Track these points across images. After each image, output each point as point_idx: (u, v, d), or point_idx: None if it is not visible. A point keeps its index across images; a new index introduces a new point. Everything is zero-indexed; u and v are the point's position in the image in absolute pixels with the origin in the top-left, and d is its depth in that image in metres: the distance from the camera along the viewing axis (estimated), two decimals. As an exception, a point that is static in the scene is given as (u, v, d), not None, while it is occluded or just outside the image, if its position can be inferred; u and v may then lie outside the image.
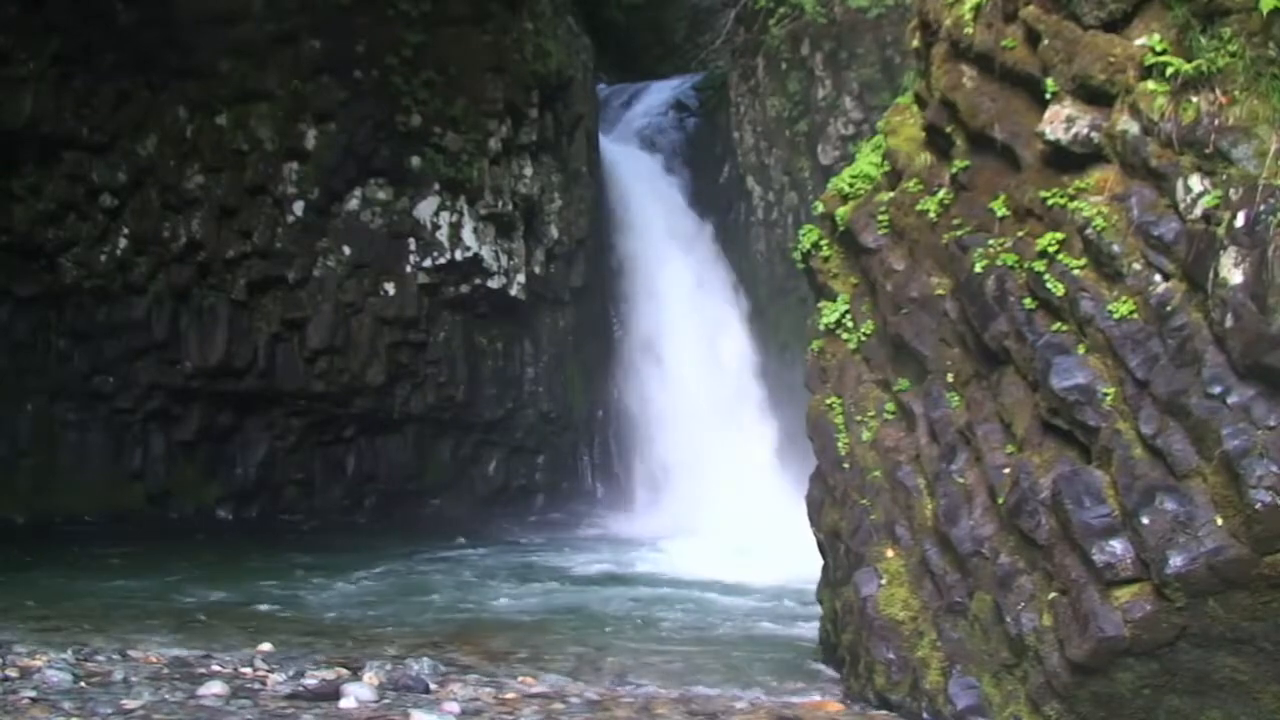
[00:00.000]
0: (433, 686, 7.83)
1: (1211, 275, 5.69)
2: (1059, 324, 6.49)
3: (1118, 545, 5.88)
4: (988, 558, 6.68)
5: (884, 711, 7.24)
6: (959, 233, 7.32)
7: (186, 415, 18.68)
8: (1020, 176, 6.98)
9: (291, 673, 8.15)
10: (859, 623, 7.51)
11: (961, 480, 6.99)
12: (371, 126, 18.46)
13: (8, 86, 16.87)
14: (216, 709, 6.88)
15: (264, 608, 11.66)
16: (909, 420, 7.67)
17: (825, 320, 8.58)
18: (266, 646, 9.27)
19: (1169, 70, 6.04)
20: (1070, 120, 6.59)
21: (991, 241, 7.02)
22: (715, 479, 18.27)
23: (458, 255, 18.79)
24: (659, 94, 25.13)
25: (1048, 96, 6.73)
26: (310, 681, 7.81)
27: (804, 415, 8.83)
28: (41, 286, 17.83)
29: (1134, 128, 6.25)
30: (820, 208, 8.99)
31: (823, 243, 8.81)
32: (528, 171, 19.89)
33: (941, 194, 7.66)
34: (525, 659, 9.35)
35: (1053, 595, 6.19)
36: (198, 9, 17.34)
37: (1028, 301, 6.66)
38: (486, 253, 19.02)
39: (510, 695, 7.70)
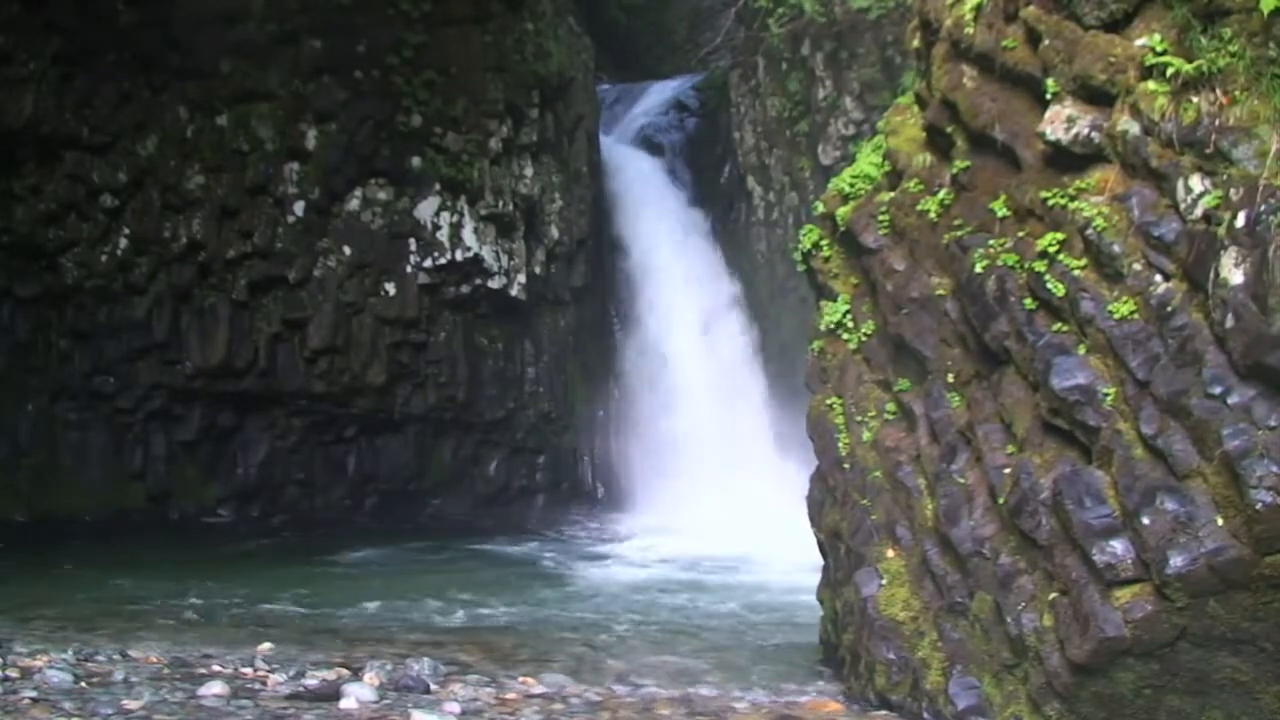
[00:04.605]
0: (433, 686, 7.83)
1: (1212, 275, 5.69)
2: (1059, 324, 6.49)
3: (1118, 545, 5.88)
4: (988, 558, 6.68)
5: (884, 712, 7.24)
6: (959, 233, 7.32)
7: (187, 415, 18.68)
8: (1021, 177, 6.98)
9: (292, 673, 8.15)
10: (859, 623, 7.50)
11: (962, 480, 6.99)
12: (372, 127, 18.46)
13: (8, 86, 16.86)
14: (217, 709, 6.89)
15: (264, 608, 11.66)
16: (909, 420, 7.67)
17: (826, 320, 8.58)
18: (267, 646, 9.27)
19: (1169, 70, 6.05)
20: (1071, 120, 6.59)
21: (992, 242, 7.02)
22: (715, 479, 18.27)
23: (458, 255, 18.79)
24: (659, 94, 25.11)
25: (1048, 97, 6.73)
26: (311, 681, 7.81)
27: (804, 415, 8.83)
28: (42, 287, 17.83)
29: (1135, 128, 6.25)
30: (821, 208, 8.99)
31: (823, 243, 8.81)
32: (528, 172, 19.88)
33: (942, 194, 7.66)
34: (526, 659, 9.35)
35: (1053, 595, 6.19)
36: (198, 9, 17.33)
37: (1028, 302, 6.66)
38: (487, 253, 19.01)
39: (511, 695, 7.70)
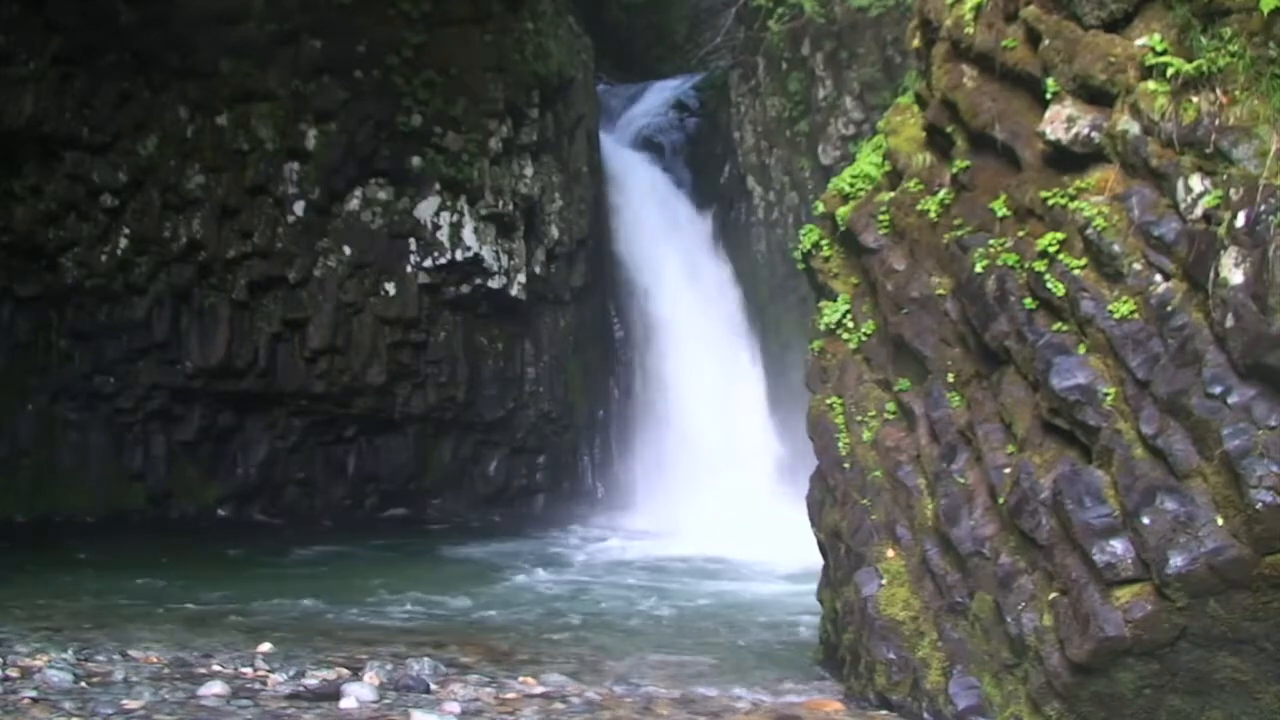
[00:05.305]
0: (433, 686, 7.83)
1: (1212, 275, 5.69)
2: (1059, 324, 6.49)
3: (1118, 545, 5.88)
4: (988, 558, 6.67)
5: (884, 711, 7.24)
6: (960, 233, 7.32)
7: (187, 415, 18.68)
8: (1021, 176, 6.98)
9: (292, 673, 8.14)
10: (860, 622, 7.50)
11: (962, 480, 6.99)
12: (372, 126, 18.47)
13: (8, 86, 16.86)
14: (217, 709, 6.88)
15: (264, 607, 11.65)
16: (910, 420, 7.66)
17: (826, 320, 8.58)
18: (267, 646, 9.26)
19: (1169, 70, 6.05)
20: (1071, 120, 6.59)
21: (992, 241, 7.02)
22: (715, 479, 18.27)
23: (458, 255, 18.79)
24: (660, 94, 25.12)
25: (1048, 96, 6.73)
26: (311, 681, 7.81)
27: (804, 415, 8.82)
28: (42, 286, 17.82)
29: (1135, 128, 6.25)
30: (821, 208, 8.99)
31: (823, 242, 8.81)
32: (528, 171, 19.88)
33: (942, 194, 7.66)
34: (526, 659, 9.35)
35: (1053, 595, 6.19)
36: (198, 9, 17.34)
37: (1028, 301, 6.66)
38: (487, 253, 19.02)
39: (511, 695, 7.70)
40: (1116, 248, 6.24)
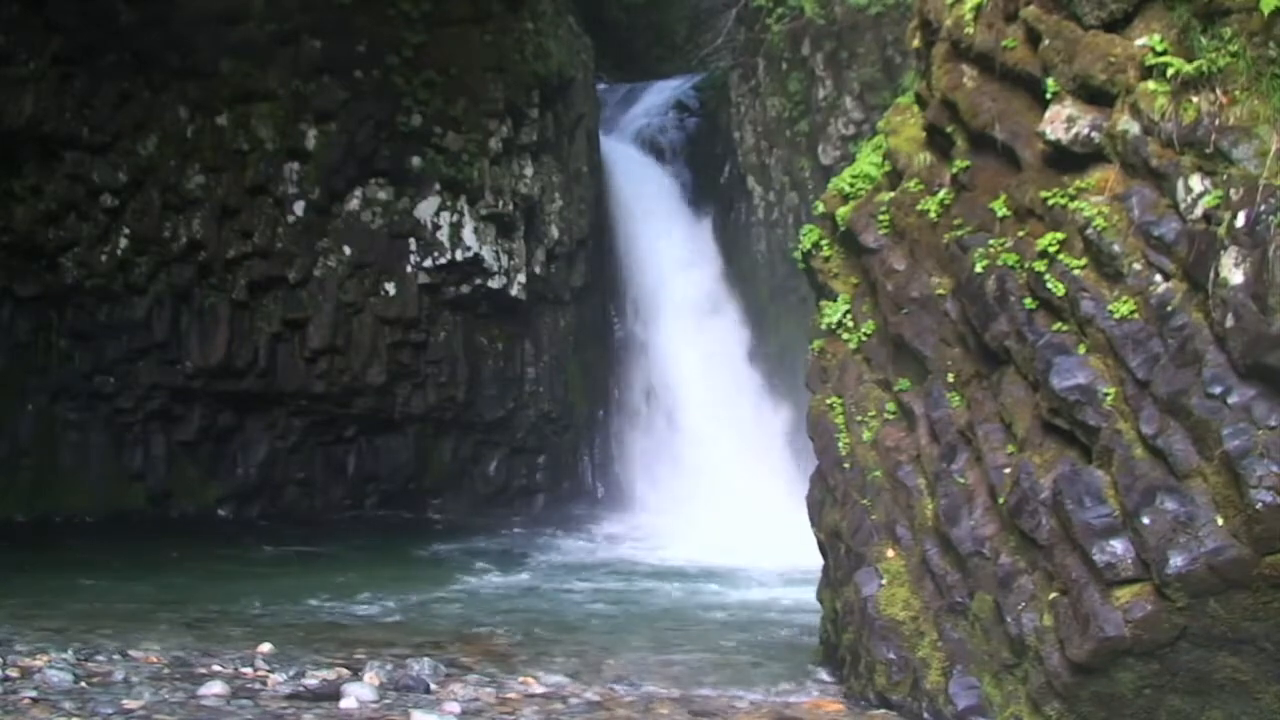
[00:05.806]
0: (433, 687, 7.83)
1: (1212, 275, 5.69)
2: (1059, 324, 6.49)
3: (1118, 545, 5.87)
4: (988, 558, 6.67)
5: (884, 711, 7.25)
6: (960, 233, 7.32)
7: (187, 415, 18.68)
8: (1021, 176, 6.98)
9: (292, 673, 8.14)
10: (860, 622, 7.51)
11: (962, 480, 6.99)
12: (372, 126, 18.47)
13: (8, 86, 16.86)
14: (217, 709, 6.88)
15: (264, 608, 11.65)
16: (910, 420, 7.67)
17: (826, 320, 8.58)
18: (267, 646, 9.26)
19: (1169, 70, 6.04)
20: (1071, 120, 6.59)
21: (992, 241, 7.02)
22: (715, 478, 18.27)
23: (458, 255, 18.80)
24: (659, 94, 25.14)
25: (1048, 96, 6.73)
26: (311, 681, 7.81)
27: (804, 415, 8.82)
28: (42, 286, 17.82)
29: (1135, 128, 6.25)
30: (821, 208, 8.99)
31: (823, 242, 8.81)
32: (528, 171, 19.89)
33: (942, 194, 7.66)
34: (526, 659, 9.34)
35: (1053, 595, 6.19)
36: (198, 9, 17.34)
37: (1028, 301, 6.66)
38: (487, 253, 19.03)
39: (511, 695, 7.70)
40: (1116, 248, 6.24)
